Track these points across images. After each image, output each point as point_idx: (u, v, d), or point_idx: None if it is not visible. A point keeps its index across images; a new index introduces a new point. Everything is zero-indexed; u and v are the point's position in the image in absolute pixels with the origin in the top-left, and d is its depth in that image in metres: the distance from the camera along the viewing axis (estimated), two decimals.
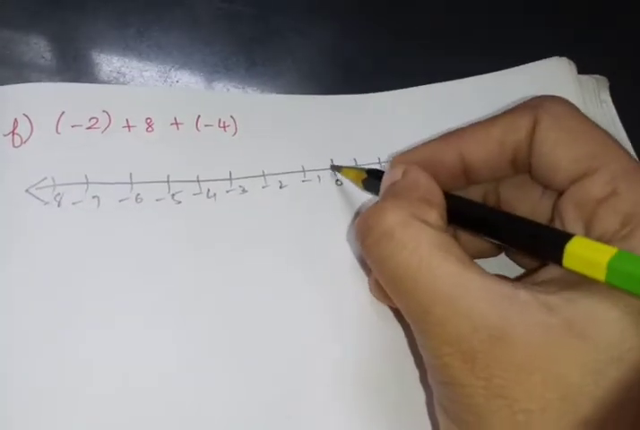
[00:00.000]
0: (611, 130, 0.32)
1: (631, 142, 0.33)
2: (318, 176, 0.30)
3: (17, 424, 0.24)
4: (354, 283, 0.28)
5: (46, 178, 0.27)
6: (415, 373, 0.27)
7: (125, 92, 0.30)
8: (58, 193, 0.27)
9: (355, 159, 0.31)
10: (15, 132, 0.28)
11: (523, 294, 0.20)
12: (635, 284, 0.18)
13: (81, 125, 0.29)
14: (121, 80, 0.32)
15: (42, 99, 0.28)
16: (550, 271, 0.22)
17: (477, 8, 0.37)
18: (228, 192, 0.29)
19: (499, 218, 0.24)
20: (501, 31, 0.37)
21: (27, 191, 0.27)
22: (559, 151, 0.23)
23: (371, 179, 0.28)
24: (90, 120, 0.29)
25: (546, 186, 0.25)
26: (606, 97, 0.34)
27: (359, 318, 0.28)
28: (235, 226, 0.29)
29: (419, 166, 0.25)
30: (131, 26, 0.33)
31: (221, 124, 0.31)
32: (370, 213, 0.23)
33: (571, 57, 0.34)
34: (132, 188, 0.28)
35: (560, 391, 0.18)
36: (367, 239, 0.23)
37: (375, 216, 0.22)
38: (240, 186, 0.30)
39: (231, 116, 0.31)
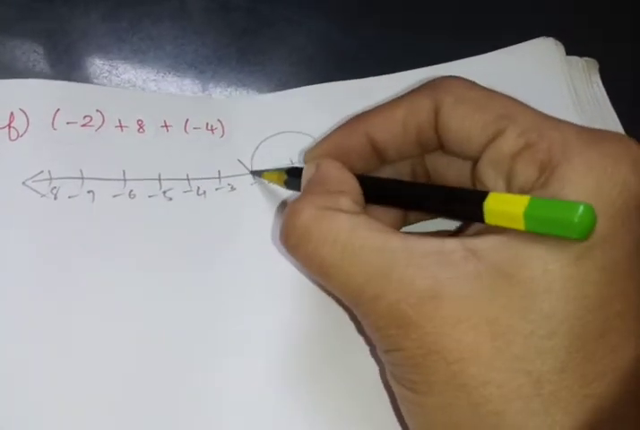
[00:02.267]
0: (602, 111, 0.34)
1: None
2: None
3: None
4: None
5: (42, 172, 0.28)
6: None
7: (117, 94, 0.31)
8: (55, 187, 0.28)
9: None
10: (11, 125, 0.28)
11: (448, 244, 0.20)
12: (551, 226, 0.19)
13: (75, 123, 0.29)
14: (113, 72, 0.33)
15: (38, 95, 0.29)
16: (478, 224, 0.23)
17: None
18: (217, 189, 0.31)
19: (416, 189, 0.25)
20: (491, 17, 0.38)
21: (24, 183, 0.27)
22: (467, 123, 0.23)
23: (292, 178, 0.28)
24: (84, 118, 0.30)
25: (463, 158, 0.25)
26: (596, 78, 0.35)
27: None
28: (225, 221, 0.30)
29: (331, 155, 0.26)
30: (122, 19, 0.34)
31: (209, 127, 0.32)
32: (287, 215, 0.23)
33: (562, 41, 0.35)
34: (125, 184, 0.29)
35: (491, 333, 0.19)
36: (289, 241, 0.23)
37: (291, 217, 0.23)
38: (229, 184, 0.31)
39: (219, 120, 0.32)
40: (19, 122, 0.28)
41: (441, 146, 0.25)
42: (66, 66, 0.32)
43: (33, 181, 0.27)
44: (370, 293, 0.21)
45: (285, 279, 0.29)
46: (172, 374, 0.26)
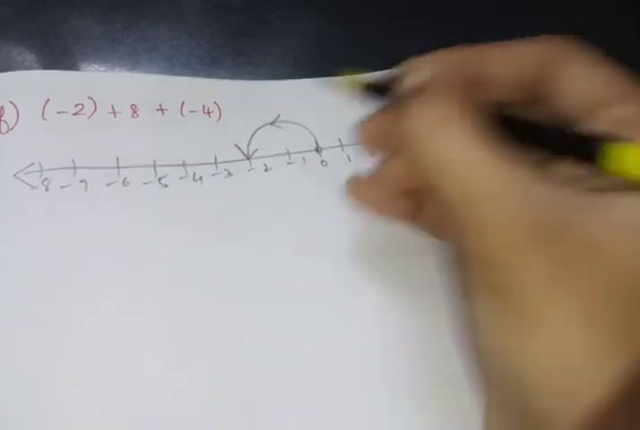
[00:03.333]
0: None
1: None
2: (303, 158, 0.31)
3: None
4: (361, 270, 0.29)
5: (33, 164, 0.28)
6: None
7: (110, 79, 0.31)
8: (46, 178, 0.28)
9: (340, 140, 0.32)
10: (2, 119, 0.28)
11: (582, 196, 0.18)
12: None
13: (66, 112, 0.29)
14: (108, 68, 0.32)
15: (28, 87, 0.29)
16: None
17: None
18: (213, 175, 0.30)
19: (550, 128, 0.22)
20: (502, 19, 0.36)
21: (15, 176, 0.27)
22: (596, 80, 0.21)
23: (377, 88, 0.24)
24: (75, 106, 0.29)
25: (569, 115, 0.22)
26: None
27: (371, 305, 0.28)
28: (222, 208, 0.29)
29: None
30: (117, 20, 0.34)
31: (206, 110, 0.31)
32: (417, 106, 0.20)
33: None
34: (119, 172, 0.29)
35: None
36: (412, 130, 0.20)
37: (421, 109, 0.20)
38: (226, 170, 0.30)
39: (215, 103, 0.31)
40: (9, 115, 0.28)
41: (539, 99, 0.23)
42: (63, 68, 0.31)
43: (24, 173, 0.27)
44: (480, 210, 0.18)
45: (299, 273, 0.28)
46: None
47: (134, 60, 0.33)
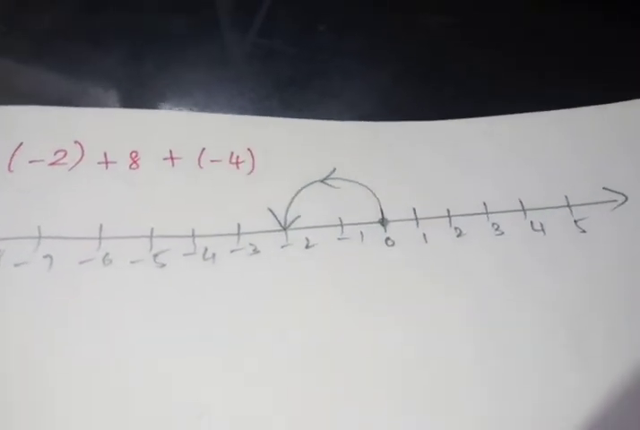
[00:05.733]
0: None
1: None
2: (361, 233, 0.21)
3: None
4: None
5: None
6: None
7: (107, 117, 0.23)
8: None
9: (415, 210, 0.22)
10: None
11: None
12: None
13: (42, 161, 0.21)
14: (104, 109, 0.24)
15: None
16: None
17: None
18: (233, 252, 0.21)
19: None
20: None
21: None
22: None
23: None
24: (55, 153, 0.22)
25: None
26: None
27: None
28: (242, 299, 0.20)
29: None
30: (147, 61, 0.27)
31: (234, 160, 0.23)
32: None
33: None
34: (100, 245, 0.21)
35: None
36: None
37: None
38: (251, 245, 0.21)
39: (248, 149, 0.23)
40: None
41: None
42: None
43: None
44: None
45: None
46: None
47: (160, 107, 0.25)
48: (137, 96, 0.25)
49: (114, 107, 0.24)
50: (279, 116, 0.25)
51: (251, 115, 0.25)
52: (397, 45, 0.28)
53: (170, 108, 0.25)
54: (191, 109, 0.25)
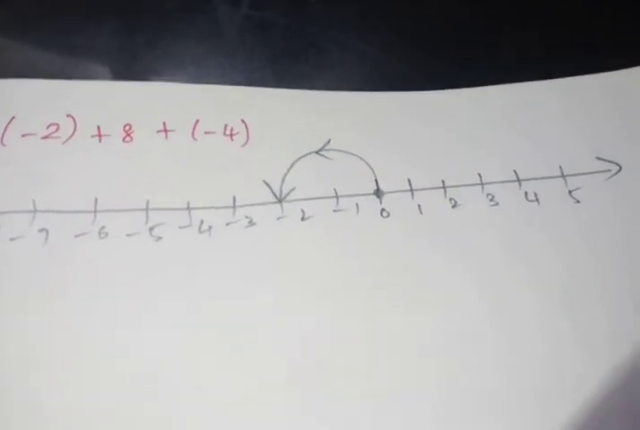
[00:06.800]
0: None
1: None
2: (356, 205, 0.21)
3: None
4: None
5: None
6: None
7: (99, 89, 0.22)
8: None
9: (410, 181, 0.22)
10: None
11: None
12: None
13: (35, 134, 0.21)
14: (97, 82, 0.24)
15: None
16: None
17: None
18: (228, 224, 0.21)
19: None
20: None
21: None
22: None
23: None
24: (47, 127, 0.21)
25: None
26: None
27: None
28: (237, 272, 0.20)
29: None
30: (139, 34, 0.26)
31: (228, 132, 0.22)
32: None
33: None
34: (95, 218, 0.21)
35: None
36: None
37: None
38: (247, 217, 0.21)
39: (243, 121, 0.23)
40: None
41: None
42: None
43: None
44: None
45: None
46: None
47: (151, 80, 0.24)
48: (129, 69, 0.25)
49: (104, 74, 0.24)
50: (272, 87, 0.25)
51: (244, 86, 0.25)
52: (390, 15, 0.28)
53: (162, 80, 0.24)
54: (186, 81, 0.25)
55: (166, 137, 0.22)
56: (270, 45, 0.27)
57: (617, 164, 0.24)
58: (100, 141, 0.22)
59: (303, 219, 0.21)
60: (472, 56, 0.27)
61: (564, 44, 0.28)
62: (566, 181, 0.23)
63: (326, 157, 0.22)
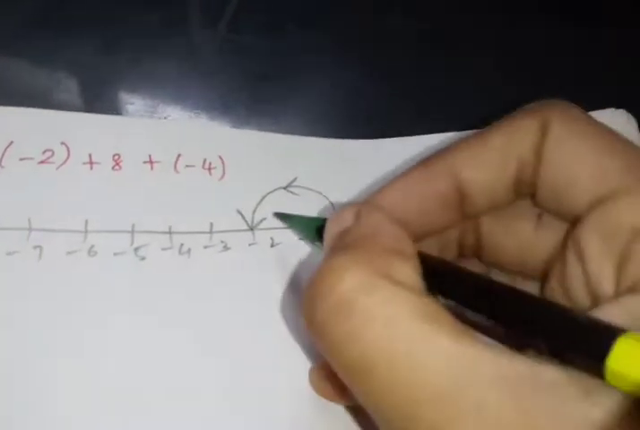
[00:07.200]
0: None
1: None
2: None
3: None
4: None
5: None
6: None
7: (91, 122, 0.25)
8: None
9: None
10: None
11: (549, 372, 0.14)
12: None
13: (31, 159, 0.23)
14: (100, 110, 0.26)
15: None
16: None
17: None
18: (206, 248, 0.24)
19: (501, 293, 0.17)
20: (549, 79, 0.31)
21: None
22: (578, 163, 0.18)
23: None
24: (43, 153, 0.24)
25: (556, 213, 0.19)
26: None
27: None
28: (212, 290, 0.23)
29: (399, 207, 0.19)
30: (123, 52, 0.28)
31: (206, 166, 0.25)
32: (320, 277, 0.16)
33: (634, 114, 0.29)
34: (85, 238, 0.23)
35: None
36: (317, 314, 0.16)
37: (327, 280, 0.16)
38: (222, 242, 0.24)
39: (219, 157, 0.26)
40: None
41: (534, 193, 0.19)
42: (42, 104, 0.25)
43: None
44: (429, 421, 0.14)
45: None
46: None
47: (131, 99, 0.27)
48: (108, 89, 0.27)
49: (84, 99, 0.26)
50: (248, 108, 0.28)
51: (220, 107, 0.27)
52: (368, 42, 0.31)
53: (141, 99, 0.27)
54: (162, 102, 0.27)
55: (151, 168, 0.25)
56: (247, 67, 0.29)
57: None
58: (92, 168, 0.24)
59: (272, 245, 0.24)
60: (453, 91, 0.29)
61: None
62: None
63: (292, 192, 0.25)
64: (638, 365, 0.13)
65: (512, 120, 0.19)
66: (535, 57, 0.31)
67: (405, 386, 0.14)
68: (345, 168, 0.26)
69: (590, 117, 0.19)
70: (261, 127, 0.27)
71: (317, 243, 0.22)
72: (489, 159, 0.19)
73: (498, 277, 0.21)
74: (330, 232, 0.19)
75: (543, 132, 0.18)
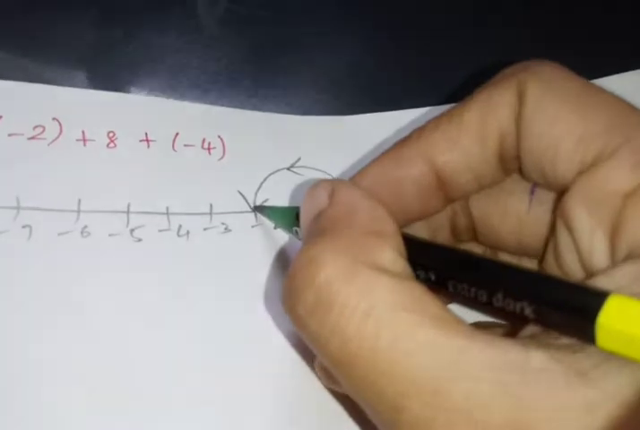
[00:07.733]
0: None
1: None
2: None
3: None
4: None
5: None
6: None
7: (85, 97, 0.23)
8: None
9: None
10: None
11: (537, 356, 0.13)
12: None
13: (22, 134, 0.22)
14: (97, 87, 0.25)
15: None
16: None
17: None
18: (205, 229, 0.22)
19: (490, 267, 0.16)
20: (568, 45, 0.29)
21: None
22: (558, 128, 0.16)
23: None
24: (34, 128, 0.22)
25: (546, 185, 0.18)
26: None
27: None
28: (212, 274, 0.22)
29: (377, 189, 0.18)
30: (118, 26, 0.27)
31: (205, 145, 0.24)
32: (296, 270, 0.15)
33: None
34: (78, 218, 0.21)
35: None
36: (298, 308, 0.15)
37: (305, 272, 0.15)
38: (223, 224, 0.23)
39: (219, 137, 0.24)
40: None
41: (519, 164, 0.18)
42: (44, 79, 0.24)
43: None
44: (415, 412, 0.13)
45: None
46: None
47: (130, 73, 0.25)
48: (105, 64, 0.26)
49: (84, 74, 0.25)
50: (253, 82, 0.26)
51: (224, 80, 0.26)
52: (369, 11, 0.29)
53: (140, 73, 0.25)
54: (165, 74, 0.26)
55: (148, 146, 0.23)
56: (250, 38, 0.28)
57: None
58: (85, 145, 0.23)
59: (275, 227, 0.23)
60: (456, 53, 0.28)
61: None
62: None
63: (296, 173, 0.24)
64: (631, 320, 0.12)
65: (486, 90, 0.18)
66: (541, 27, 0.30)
67: (390, 380, 0.13)
68: (347, 144, 0.25)
69: (570, 74, 0.17)
70: (266, 100, 0.26)
71: (297, 228, 0.21)
72: (465, 138, 0.17)
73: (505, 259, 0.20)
74: (305, 215, 0.18)
75: (520, 99, 0.17)
